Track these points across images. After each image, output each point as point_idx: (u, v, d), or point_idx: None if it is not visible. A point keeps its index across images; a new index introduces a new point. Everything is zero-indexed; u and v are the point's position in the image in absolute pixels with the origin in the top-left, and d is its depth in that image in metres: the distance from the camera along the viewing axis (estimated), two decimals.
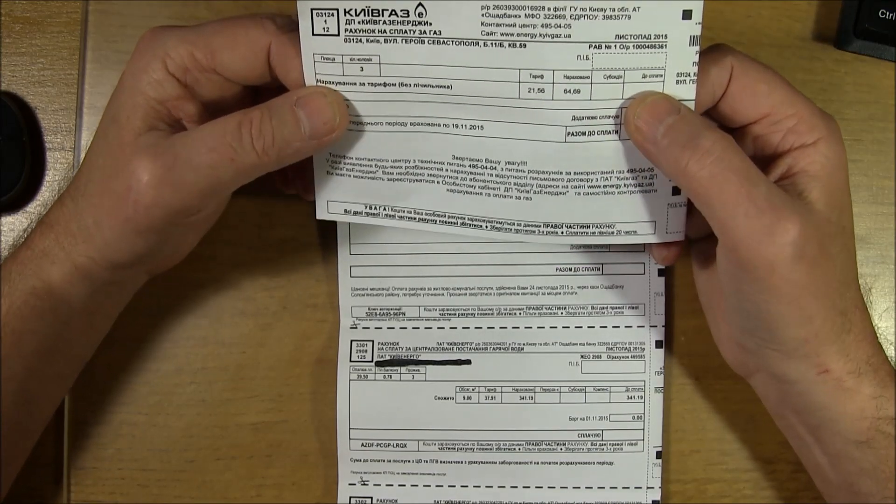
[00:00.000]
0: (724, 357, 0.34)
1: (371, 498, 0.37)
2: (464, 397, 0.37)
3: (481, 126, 0.31)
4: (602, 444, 0.37)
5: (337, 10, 0.29)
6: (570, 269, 0.37)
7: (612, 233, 0.32)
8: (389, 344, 0.37)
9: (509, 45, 0.29)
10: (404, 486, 0.37)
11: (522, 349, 0.37)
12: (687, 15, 0.28)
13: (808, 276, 0.27)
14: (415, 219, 0.33)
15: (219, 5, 0.37)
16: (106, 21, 0.37)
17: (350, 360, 0.37)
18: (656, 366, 0.37)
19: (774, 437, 0.37)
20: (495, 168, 0.31)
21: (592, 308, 0.37)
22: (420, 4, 0.29)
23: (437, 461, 0.37)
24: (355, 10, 0.29)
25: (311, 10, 0.29)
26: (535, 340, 0.37)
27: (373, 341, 0.37)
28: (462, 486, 0.37)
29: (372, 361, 0.37)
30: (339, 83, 0.30)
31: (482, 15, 0.28)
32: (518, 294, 0.37)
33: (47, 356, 0.32)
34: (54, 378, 0.33)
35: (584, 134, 0.30)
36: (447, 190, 0.32)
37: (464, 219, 0.33)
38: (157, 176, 0.28)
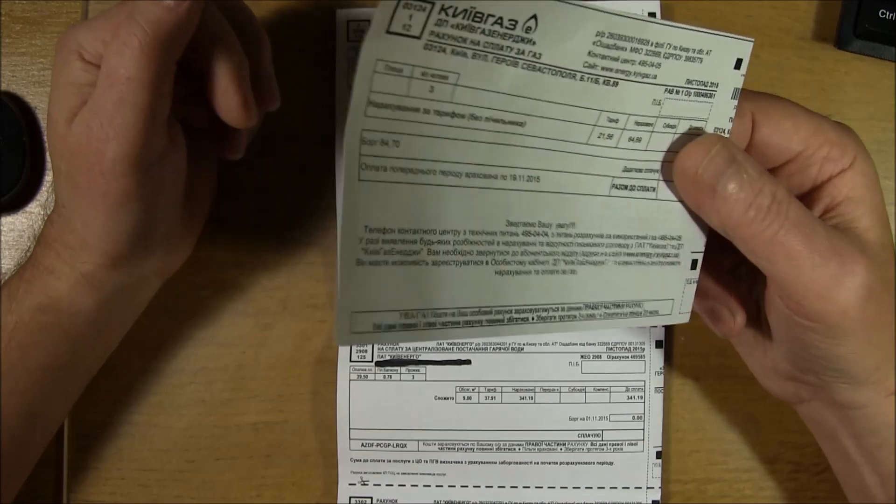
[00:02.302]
0: (765, 387, 0.33)
1: (371, 498, 0.37)
2: (464, 397, 0.37)
3: (538, 178, 0.26)
4: (602, 444, 0.37)
5: (433, 3, 0.22)
6: None
7: (640, 313, 0.29)
8: (389, 344, 0.37)
9: (604, 81, 0.26)
10: (404, 486, 0.37)
11: (522, 349, 0.37)
12: (738, 64, 0.27)
13: (877, 311, 0.27)
14: (458, 323, 0.26)
15: None
16: None
17: (350, 360, 0.37)
18: (656, 366, 0.37)
19: (774, 437, 0.37)
20: (546, 234, 0.27)
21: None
22: (533, 17, 0.23)
23: (437, 461, 0.37)
24: (455, 9, 0.22)
25: None
26: (535, 340, 0.37)
27: None
28: (462, 486, 0.37)
29: (372, 361, 0.37)
30: (398, 107, 0.23)
31: (593, 43, 0.25)
32: None
33: (54, 372, 0.32)
34: (60, 393, 0.33)
35: (626, 188, 0.28)
36: (496, 272, 0.26)
37: (511, 312, 0.27)
38: (100, 137, 0.27)
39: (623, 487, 0.37)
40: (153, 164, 0.29)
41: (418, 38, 0.22)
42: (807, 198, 0.29)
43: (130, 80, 0.26)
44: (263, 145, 0.36)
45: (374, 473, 0.37)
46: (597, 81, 0.26)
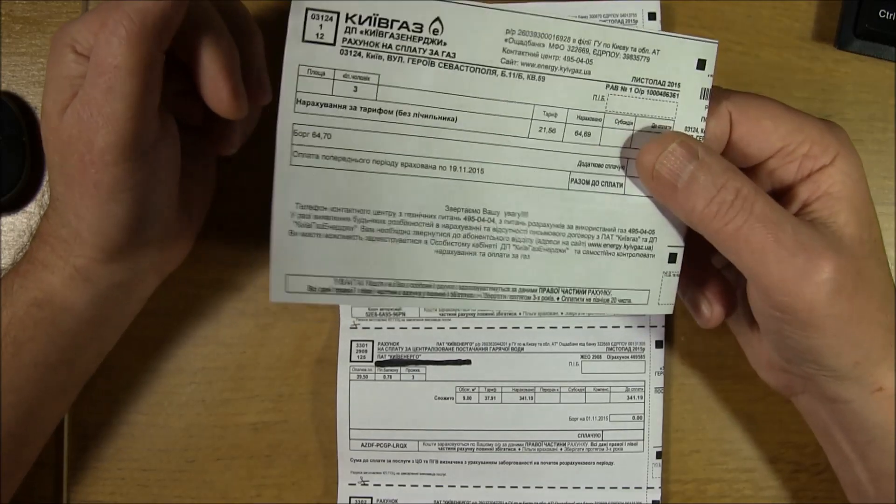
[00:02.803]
0: (763, 379, 0.33)
1: (371, 498, 0.37)
2: (464, 397, 0.37)
3: (482, 169, 0.28)
4: (602, 444, 0.37)
5: (338, 13, 0.25)
6: None
7: (608, 300, 0.30)
8: (389, 344, 0.37)
9: (528, 76, 0.27)
10: (404, 486, 0.37)
11: (522, 349, 0.37)
12: (701, 65, 0.28)
13: (850, 306, 0.27)
14: (397, 293, 0.28)
15: None
16: None
17: (350, 360, 0.37)
18: (656, 366, 0.37)
19: (774, 437, 0.37)
20: (493, 220, 0.29)
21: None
22: (437, 20, 0.26)
23: (437, 461, 0.37)
24: (360, 17, 0.25)
25: (307, 9, 0.25)
26: (535, 340, 0.37)
27: (373, 341, 0.37)
28: (462, 487, 0.37)
29: (372, 361, 0.37)
30: (325, 104, 0.26)
31: (505, 41, 0.26)
32: None
33: (49, 368, 0.32)
34: (57, 390, 0.33)
35: (587, 182, 0.29)
36: (436, 251, 0.28)
37: (454, 288, 0.29)
38: (90, 126, 0.27)
39: (623, 487, 0.37)
40: (144, 154, 0.29)
41: (332, 44, 0.25)
42: (787, 194, 0.29)
43: (118, 69, 0.26)
44: (262, 144, 0.36)
45: (374, 473, 0.37)
46: (520, 76, 0.27)
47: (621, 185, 0.29)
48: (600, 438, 0.37)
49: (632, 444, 0.37)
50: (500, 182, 0.28)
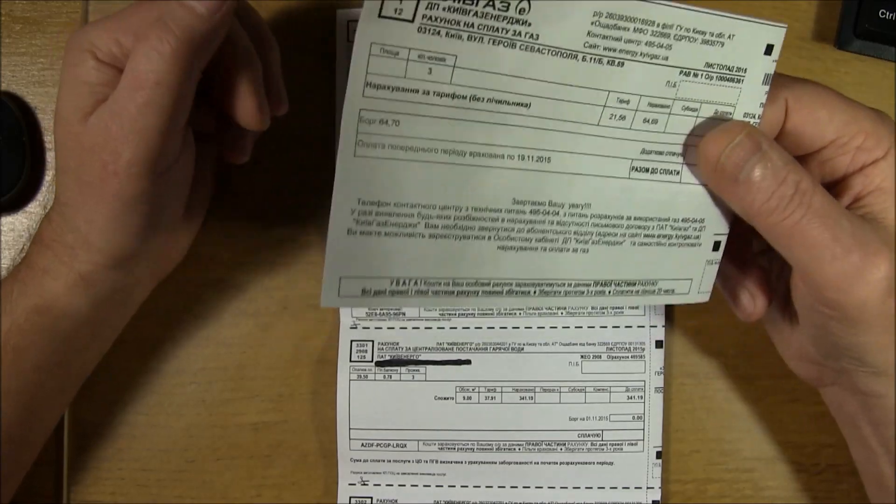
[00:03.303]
0: (791, 369, 0.33)
1: (371, 498, 0.37)
2: (464, 397, 0.37)
3: (549, 158, 0.26)
4: (602, 444, 0.37)
5: None
6: None
7: (654, 291, 0.30)
8: (389, 344, 0.37)
9: (608, 62, 0.26)
10: (404, 486, 0.37)
11: (522, 349, 0.37)
12: (769, 50, 0.27)
13: None
14: (452, 293, 0.27)
15: None
16: None
17: (350, 360, 0.37)
18: (656, 366, 0.37)
19: (774, 437, 0.37)
20: (558, 213, 0.27)
21: (592, 308, 0.37)
22: None
23: (437, 461, 0.37)
24: None
25: None
26: (535, 340, 0.37)
27: (373, 341, 0.37)
28: (462, 486, 0.37)
29: (372, 361, 0.37)
30: (396, 88, 0.24)
31: (592, 24, 0.25)
32: None
33: (49, 372, 0.32)
34: (56, 392, 0.33)
35: (647, 171, 0.28)
36: (498, 248, 0.27)
37: (511, 285, 0.28)
38: (118, 137, 0.27)
39: (623, 487, 0.37)
40: (169, 168, 0.29)
41: (411, 21, 0.23)
42: (838, 186, 0.29)
43: (158, 85, 0.27)
44: (263, 145, 0.36)
45: (374, 473, 0.37)
46: (600, 62, 0.25)
47: (678, 172, 0.28)
48: (600, 438, 0.37)
49: (632, 444, 0.37)
50: (565, 172, 0.27)
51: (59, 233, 0.31)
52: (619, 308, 0.37)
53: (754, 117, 0.28)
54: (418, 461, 0.37)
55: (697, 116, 0.28)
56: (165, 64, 0.26)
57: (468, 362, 0.37)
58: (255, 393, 0.38)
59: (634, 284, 0.29)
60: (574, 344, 0.37)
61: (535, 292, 0.28)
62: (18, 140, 0.37)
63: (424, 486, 0.37)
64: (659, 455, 0.37)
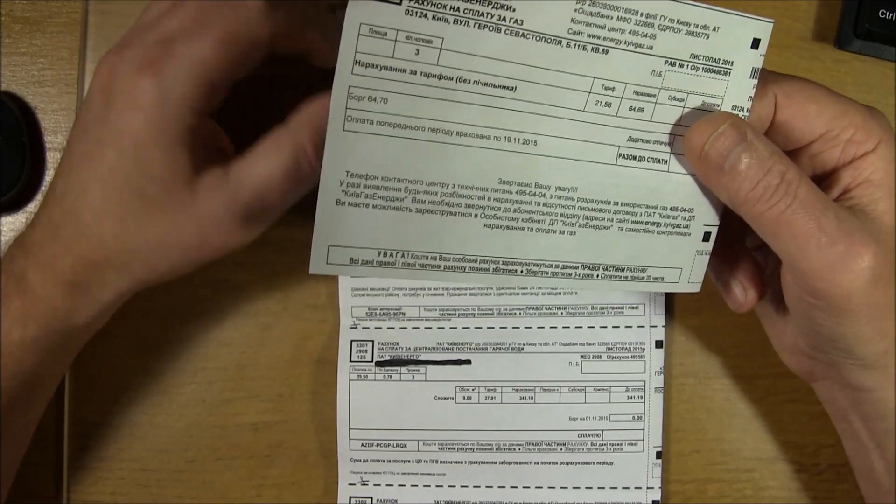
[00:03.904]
0: (785, 363, 0.33)
1: (371, 498, 0.37)
2: (464, 397, 0.37)
3: (535, 141, 0.27)
4: (602, 444, 0.37)
5: None
6: None
7: (643, 278, 0.30)
8: (389, 344, 0.37)
9: (592, 49, 0.26)
10: (404, 486, 0.37)
11: (522, 349, 0.37)
12: (755, 44, 0.28)
13: (885, 296, 0.27)
14: (439, 267, 0.28)
15: None
16: (106, 21, 0.37)
17: (350, 360, 0.37)
18: (656, 366, 0.37)
19: (774, 437, 0.37)
20: (544, 195, 0.28)
21: (592, 308, 0.37)
22: None
23: (437, 461, 0.37)
24: None
25: None
26: (535, 340, 0.37)
27: (373, 341, 0.37)
28: (462, 486, 0.37)
29: (372, 361, 0.37)
30: (384, 67, 0.25)
31: (575, 10, 0.26)
32: (518, 294, 0.37)
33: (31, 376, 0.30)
34: (53, 375, 0.33)
35: (634, 158, 0.28)
36: (484, 225, 0.28)
37: (498, 263, 0.29)
38: (233, 226, 0.29)
39: (623, 487, 0.37)
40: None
41: (398, 3, 0.24)
42: (828, 179, 0.29)
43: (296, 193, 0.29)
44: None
45: (374, 473, 0.37)
46: (584, 48, 0.26)
47: (666, 161, 0.29)
48: (600, 438, 0.37)
49: (632, 444, 0.37)
50: (552, 155, 0.28)
51: (86, 251, 0.29)
52: (618, 308, 0.37)
53: (743, 110, 0.28)
54: (418, 461, 0.37)
55: (684, 107, 0.28)
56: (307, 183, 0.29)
57: (468, 362, 0.37)
58: (255, 393, 0.38)
59: (623, 270, 0.30)
60: (574, 344, 0.37)
61: (522, 271, 0.29)
62: (18, 140, 0.37)
63: (424, 486, 0.37)
64: (659, 455, 0.37)
